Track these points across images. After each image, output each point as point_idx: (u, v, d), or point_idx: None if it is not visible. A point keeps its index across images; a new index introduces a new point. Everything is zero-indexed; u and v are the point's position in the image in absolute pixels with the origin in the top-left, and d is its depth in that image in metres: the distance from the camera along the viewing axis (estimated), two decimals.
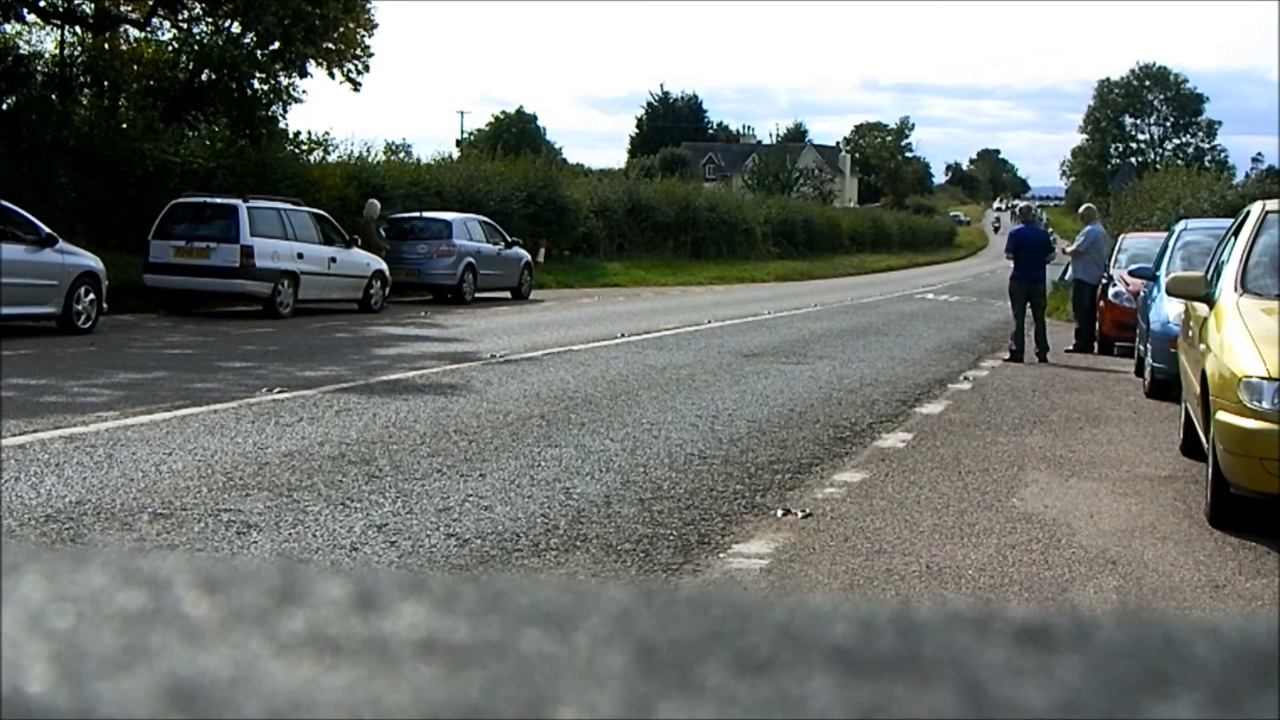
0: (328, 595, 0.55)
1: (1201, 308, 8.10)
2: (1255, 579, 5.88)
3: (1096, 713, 0.46)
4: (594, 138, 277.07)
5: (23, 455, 7.34)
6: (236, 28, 26.26)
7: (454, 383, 11.34)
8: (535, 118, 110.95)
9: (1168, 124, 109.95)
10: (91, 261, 15.59)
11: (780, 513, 6.73)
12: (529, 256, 27.05)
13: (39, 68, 25.54)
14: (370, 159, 29.90)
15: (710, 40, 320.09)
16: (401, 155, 37.79)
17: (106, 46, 26.47)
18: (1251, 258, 7.89)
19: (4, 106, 23.11)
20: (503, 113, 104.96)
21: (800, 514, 6.71)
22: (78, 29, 26.15)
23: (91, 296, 15.39)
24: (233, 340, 15.12)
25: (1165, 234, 16.04)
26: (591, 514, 6.50)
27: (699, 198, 46.73)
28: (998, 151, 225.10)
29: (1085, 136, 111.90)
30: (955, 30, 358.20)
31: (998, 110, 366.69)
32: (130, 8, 26.57)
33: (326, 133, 28.53)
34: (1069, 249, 19.14)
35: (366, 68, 28.67)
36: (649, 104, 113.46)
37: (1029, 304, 15.93)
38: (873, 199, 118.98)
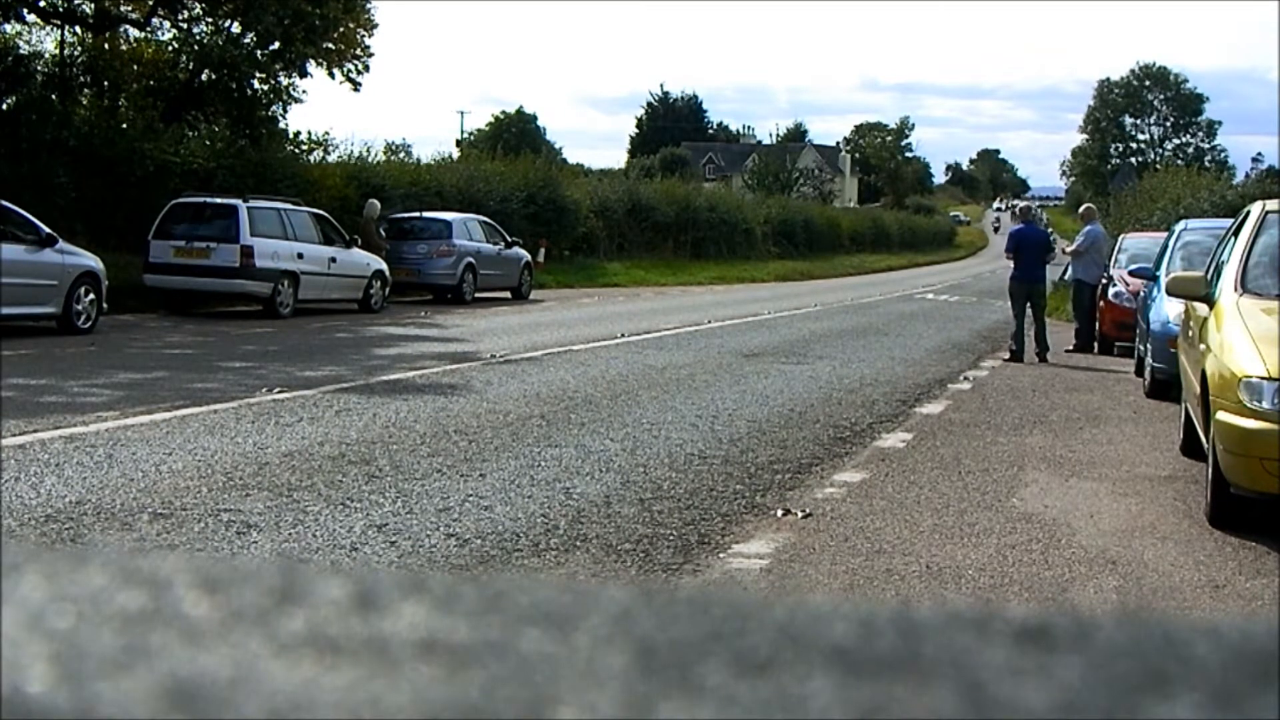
0: (328, 595, 0.55)
1: (1201, 308, 8.10)
2: (1255, 579, 5.88)
3: (1096, 713, 0.46)
4: (594, 138, 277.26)
5: (23, 455, 7.34)
6: (236, 28, 26.26)
7: (454, 383, 11.34)
8: (535, 118, 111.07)
9: (1168, 124, 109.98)
10: (91, 261, 15.59)
11: (780, 513, 6.73)
12: (529, 256, 27.05)
13: (39, 68, 25.54)
14: (370, 159, 29.92)
15: (710, 40, 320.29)
16: (401, 155, 37.81)
17: (106, 46, 26.48)
18: (1251, 258, 7.89)
19: (4, 106, 23.12)
20: (503, 113, 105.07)
21: (800, 514, 6.71)
22: (78, 29, 26.15)
23: (91, 296, 15.39)
24: (233, 340, 15.12)
25: (1165, 234, 16.04)
26: (591, 514, 6.50)
27: (699, 198, 46.73)
28: (998, 151, 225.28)
29: (1085, 136, 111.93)
30: (955, 30, 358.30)
31: (998, 110, 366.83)
32: (130, 8, 26.57)
33: (326, 133, 28.58)
34: (1069, 249, 19.14)
35: (366, 68, 28.69)
36: (649, 104, 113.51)
37: (1029, 304, 15.93)
38: (873, 199, 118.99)
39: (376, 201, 23.94)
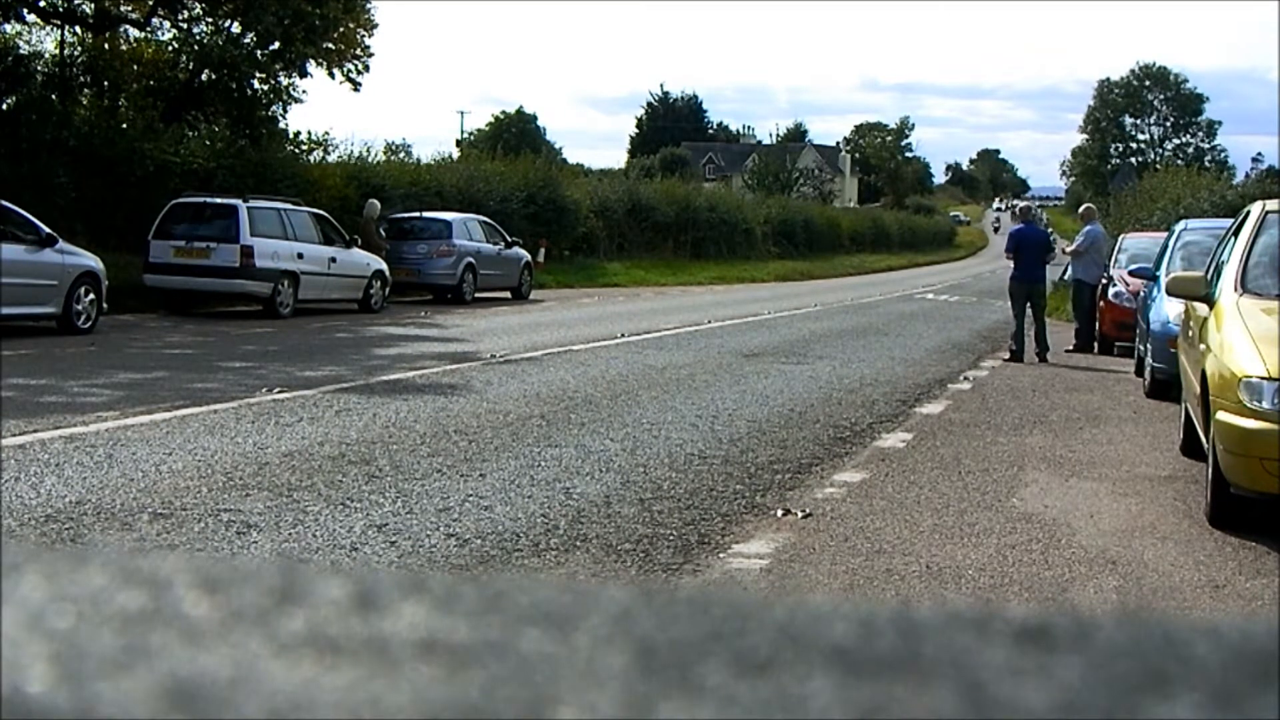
0: (328, 595, 0.55)
1: (1201, 308, 8.10)
2: (1255, 579, 5.88)
3: (1096, 713, 0.46)
4: (594, 138, 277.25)
5: (23, 455, 7.34)
6: (236, 28, 26.26)
7: (454, 383, 11.34)
8: (535, 118, 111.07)
9: (1168, 124, 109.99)
10: (91, 261, 15.59)
11: (780, 513, 6.73)
12: (529, 256, 27.05)
13: (39, 68, 25.54)
14: (370, 159, 29.92)
15: (710, 40, 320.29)
16: (401, 155, 37.82)
17: (106, 46, 26.48)
18: (1251, 258, 7.89)
19: (4, 106, 23.12)
20: (503, 113, 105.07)
21: (800, 514, 6.71)
22: (78, 29, 26.15)
23: (91, 296, 15.39)
24: (233, 340, 15.12)
25: (1165, 234, 16.04)
26: (591, 514, 6.50)
27: (699, 198, 46.73)
28: (998, 151, 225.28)
29: (1085, 136, 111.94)
30: (955, 30, 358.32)
31: (998, 110, 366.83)
32: (130, 8, 26.57)
33: (326, 133, 28.57)
34: (1069, 249, 19.14)
35: (366, 68, 28.69)
36: (649, 104, 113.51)
37: (1029, 304, 15.93)
38: (873, 199, 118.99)
39: (376, 201, 23.94)
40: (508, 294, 25.78)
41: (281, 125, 28.15)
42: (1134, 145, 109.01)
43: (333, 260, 20.13)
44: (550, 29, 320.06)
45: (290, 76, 27.34)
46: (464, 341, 15.60)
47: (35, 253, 14.64)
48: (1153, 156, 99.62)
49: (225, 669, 0.48)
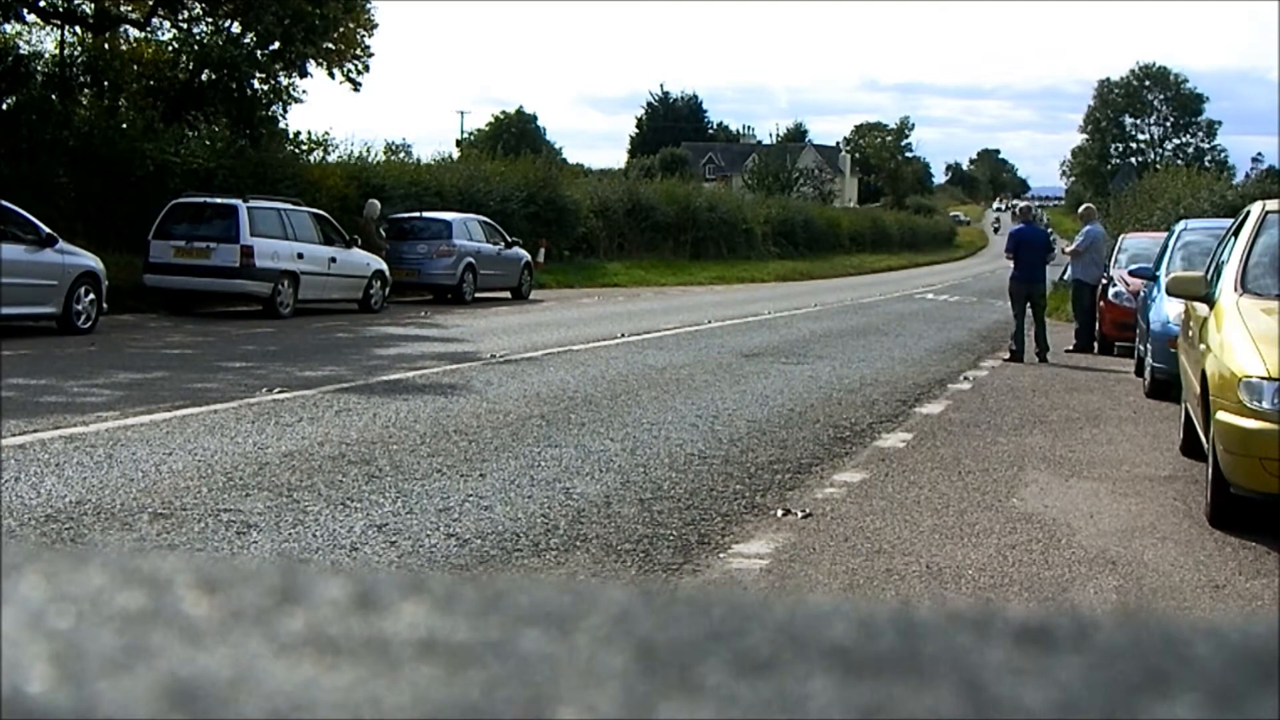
0: (328, 595, 0.55)
1: (1201, 308, 8.10)
2: (1255, 579, 5.88)
3: (1096, 713, 0.46)
4: (594, 138, 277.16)
5: (23, 455, 7.34)
6: (236, 28, 26.27)
7: (454, 383, 11.34)
8: (535, 118, 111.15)
9: (1168, 124, 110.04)
10: (91, 261, 15.59)
11: (780, 513, 6.74)
12: (529, 256, 27.05)
13: (39, 68, 25.54)
14: (370, 159, 29.92)
15: (710, 40, 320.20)
16: (401, 155, 37.84)
17: (106, 46, 26.47)
18: (1251, 258, 7.89)
19: (4, 106, 23.12)
20: (503, 113, 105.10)
21: (800, 514, 6.71)
22: (78, 29, 26.14)
23: (91, 296, 15.39)
24: (233, 340, 15.12)
25: (1165, 234, 16.04)
26: (591, 514, 6.50)
27: (699, 198, 46.73)
28: (998, 151, 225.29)
29: (1085, 136, 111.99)
30: (955, 30, 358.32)
31: (998, 110, 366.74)
32: (130, 8, 26.57)
33: (326, 133, 28.56)
34: (1068, 249, 19.15)
35: (366, 68, 28.72)
36: (649, 104, 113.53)
37: (1029, 304, 15.94)
38: (873, 199, 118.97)
39: (376, 201, 23.94)
40: (508, 294, 25.78)
41: (281, 125, 28.17)
42: (1134, 145, 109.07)
43: (333, 260, 20.13)
44: (550, 29, 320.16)
45: (290, 76, 27.36)
46: (464, 341, 15.60)
47: (35, 253, 14.65)
48: (1153, 156, 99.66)
49: (225, 669, 0.48)
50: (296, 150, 27.48)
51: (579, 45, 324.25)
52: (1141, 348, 13.60)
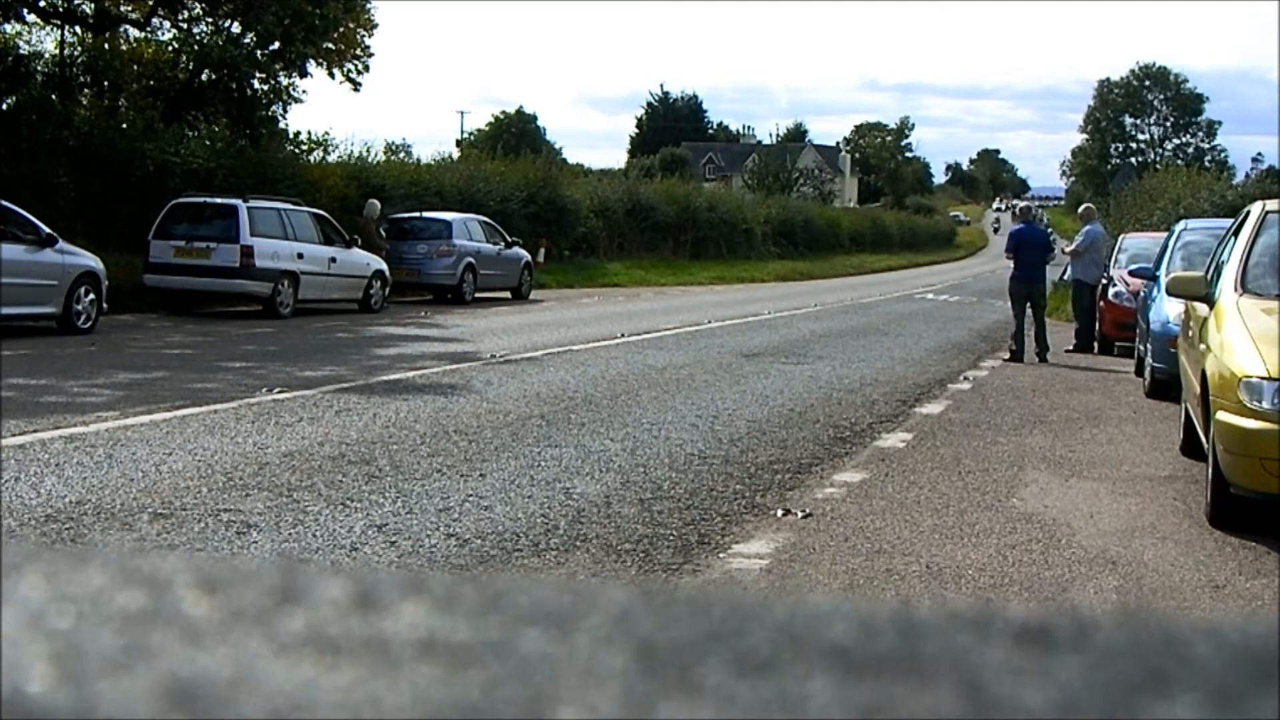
0: (328, 595, 0.55)
1: (1201, 308, 8.10)
2: (1255, 579, 5.88)
3: (1096, 713, 0.46)
4: (594, 138, 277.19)
5: (23, 455, 7.34)
6: (236, 28, 26.27)
7: (454, 383, 11.34)
8: (535, 118, 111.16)
9: (1168, 124, 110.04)
10: (91, 261, 15.60)
11: (780, 513, 6.74)
12: (529, 256, 27.05)
13: (39, 68, 25.54)
14: (370, 159, 29.92)
15: (710, 40, 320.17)
16: (401, 155, 37.85)
17: (106, 46, 26.48)
18: (1251, 258, 7.89)
19: (4, 106, 23.12)
20: (503, 113, 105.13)
21: (800, 514, 6.71)
22: (78, 29, 26.15)
23: (91, 296, 15.39)
24: (233, 340, 15.12)
25: (1165, 234, 16.04)
26: (591, 514, 6.50)
27: (699, 198, 46.73)
28: (998, 151, 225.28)
29: (1085, 136, 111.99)
30: (955, 30, 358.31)
31: (998, 110, 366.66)
32: (130, 8, 26.57)
33: (326, 133, 28.57)
34: (1068, 249, 19.15)
35: (366, 68, 28.72)
36: (649, 104, 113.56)
37: (1029, 304, 15.94)
38: (873, 199, 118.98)
39: (376, 201, 23.94)
40: (508, 294, 25.78)
41: (281, 125, 28.18)
42: (1134, 145, 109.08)
43: (333, 260, 20.14)
44: (550, 29, 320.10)
45: (290, 76, 27.36)
46: (464, 341, 15.60)
47: (35, 253, 14.65)
48: (1153, 156, 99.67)
49: (225, 669, 0.48)
50: (296, 150, 27.48)
51: (579, 45, 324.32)
52: (1141, 348, 13.60)
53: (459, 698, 0.47)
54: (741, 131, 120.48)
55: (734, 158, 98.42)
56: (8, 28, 24.72)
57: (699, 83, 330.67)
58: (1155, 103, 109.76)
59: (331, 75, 28.12)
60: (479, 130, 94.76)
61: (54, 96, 24.26)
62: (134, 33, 27.21)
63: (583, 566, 5.61)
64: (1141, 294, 14.36)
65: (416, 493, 6.79)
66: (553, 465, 7.68)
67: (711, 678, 0.48)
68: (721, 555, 5.87)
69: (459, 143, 74.50)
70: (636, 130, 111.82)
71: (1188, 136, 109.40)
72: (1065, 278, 22.30)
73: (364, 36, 28.45)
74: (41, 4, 24.47)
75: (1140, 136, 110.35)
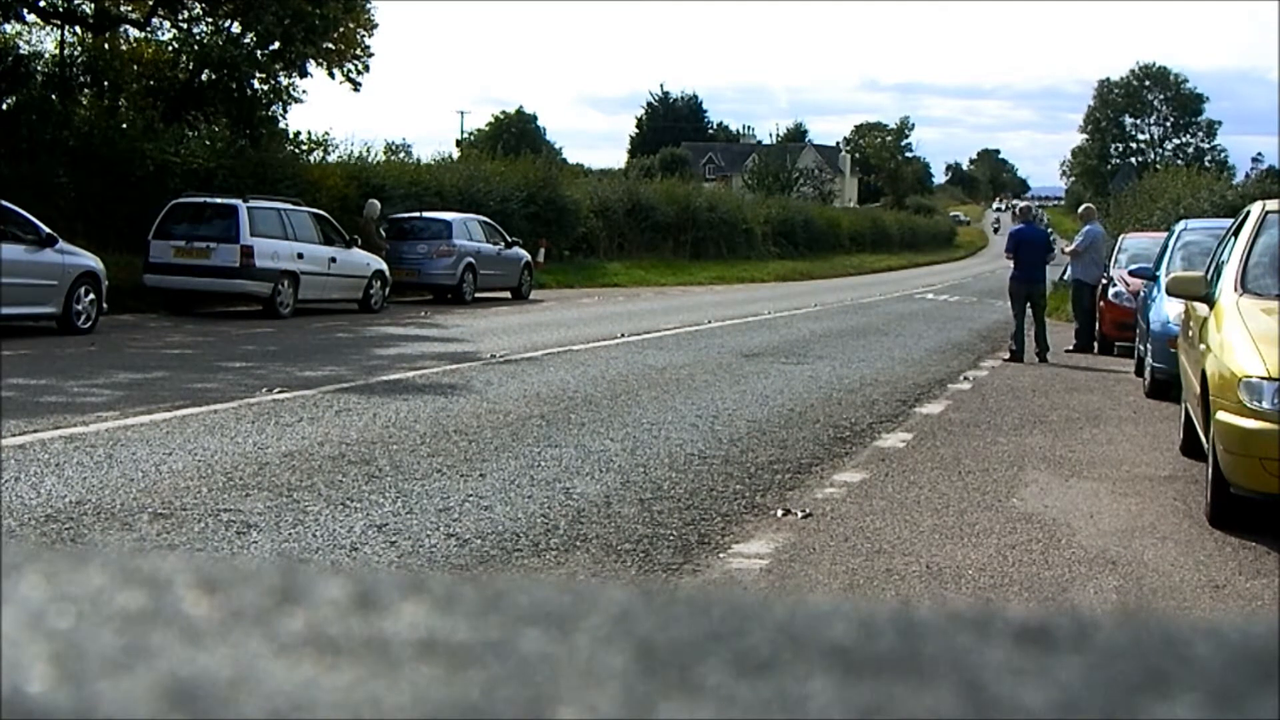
0: (328, 595, 0.55)
1: (1201, 308, 8.10)
2: (1255, 579, 5.88)
3: (1096, 713, 0.46)
4: (594, 138, 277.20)
5: (23, 455, 7.34)
6: (236, 28, 26.27)
7: (454, 383, 11.34)
8: (535, 118, 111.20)
9: (1168, 124, 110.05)
10: (91, 261, 15.60)
11: (780, 513, 6.73)
12: (529, 256, 27.05)
13: (39, 68, 25.54)
14: (370, 159, 29.91)
15: (710, 40, 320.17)
16: (401, 155, 37.85)
17: (106, 46, 26.48)
18: (1251, 258, 7.89)
19: (4, 106, 23.12)
20: (503, 113, 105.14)
21: (800, 514, 6.71)
22: (78, 29, 26.15)
23: (91, 296, 15.39)
24: (233, 340, 15.12)
25: (1165, 234, 16.04)
26: (591, 514, 6.50)
27: (699, 198, 46.73)
28: (998, 151, 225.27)
29: (1085, 136, 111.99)
30: (955, 30, 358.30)
31: (998, 110, 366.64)
32: (130, 8, 26.57)
33: (326, 133, 28.57)
34: (1068, 249, 19.15)
35: (366, 68, 28.72)
36: (649, 104, 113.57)
37: (1029, 304, 15.94)
38: (873, 199, 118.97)
39: (376, 201, 23.94)
40: (508, 294, 25.78)
41: (281, 125, 28.18)
42: (1134, 145, 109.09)
43: (333, 260, 20.14)
44: (550, 29, 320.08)
45: (290, 76, 27.36)
46: (464, 341, 15.60)
47: (35, 253, 14.65)
48: (1153, 156, 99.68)
49: (225, 669, 0.48)
50: (296, 150, 27.48)
51: (579, 45, 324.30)
52: (1141, 348, 13.60)
53: (459, 698, 0.47)
54: (741, 131, 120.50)
55: (734, 158, 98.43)
56: (8, 28, 24.74)
57: (699, 83, 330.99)
58: (1155, 103, 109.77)
59: (331, 75, 28.13)
60: (479, 130, 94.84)
61: (54, 96, 24.26)
62: (134, 33, 27.21)
63: (583, 566, 5.61)
64: (1141, 294, 14.36)
65: (416, 493, 6.79)
66: (553, 465, 7.68)
67: (711, 678, 0.48)
68: (721, 555, 5.87)
69: (459, 143, 74.54)
70: (636, 130, 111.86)
71: (1188, 136, 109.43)
72: (1065, 278, 22.30)
73: (364, 36, 28.46)
74: (41, 4, 24.47)
75: (1140, 136, 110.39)
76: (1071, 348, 17.15)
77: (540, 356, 13.79)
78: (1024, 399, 12.04)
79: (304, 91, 28.57)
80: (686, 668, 0.49)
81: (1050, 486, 7.78)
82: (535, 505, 6.62)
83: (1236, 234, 8.56)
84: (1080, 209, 20.56)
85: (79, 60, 26.53)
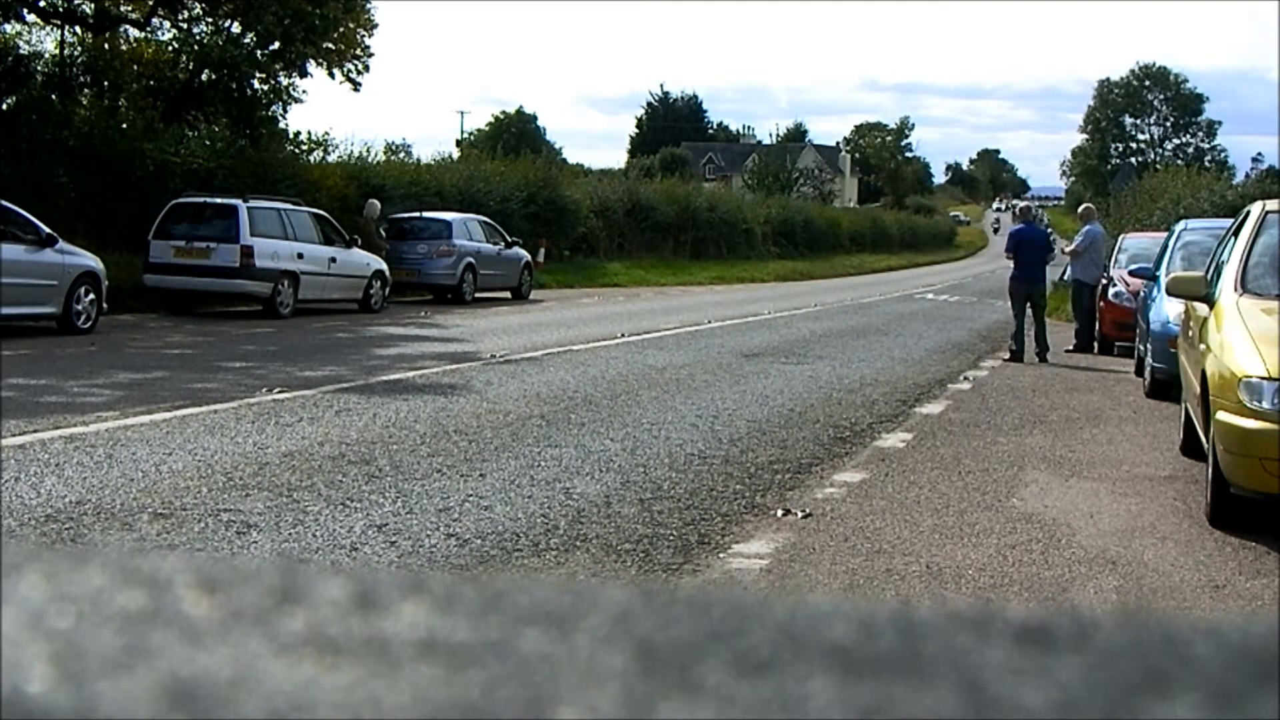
0: (328, 595, 0.55)
1: (1201, 308, 8.10)
2: (1255, 579, 5.88)
3: (1096, 713, 0.46)
4: (594, 138, 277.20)
5: (23, 455, 7.34)
6: (236, 28, 26.27)
7: (454, 383, 11.34)
8: (535, 118, 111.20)
9: (1168, 124, 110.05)
10: (91, 261, 15.60)
11: (780, 513, 6.73)
12: (529, 256, 27.05)
13: (39, 68, 25.54)
14: (370, 159, 29.92)
15: (710, 40, 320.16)
16: (401, 155, 37.85)
17: (106, 46, 26.48)
18: (1251, 258, 7.89)
19: (4, 106, 23.12)
20: (503, 113, 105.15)
21: (800, 514, 6.71)
22: (78, 29, 26.15)
23: (91, 296, 15.39)
24: (233, 340, 15.12)
25: (1165, 234, 16.04)
26: (591, 514, 6.50)
27: (699, 198, 46.73)
28: (998, 151, 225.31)
29: (1085, 136, 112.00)
30: (955, 30, 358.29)
31: (998, 110, 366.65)
32: (130, 8, 26.57)
33: (326, 133, 28.57)
34: (1068, 249, 19.16)
35: (366, 68, 28.72)
36: (649, 104, 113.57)
37: (1029, 304, 15.94)
38: (873, 199, 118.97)
39: (376, 201, 23.94)
40: (508, 294, 25.78)
41: (281, 125, 28.18)
42: (1134, 145, 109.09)
43: (333, 260, 20.14)
44: (550, 29, 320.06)
45: (290, 76, 27.36)
46: (464, 341, 15.60)
47: (35, 253, 14.65)
48: (1153, 156, 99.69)
49: (225, 669, 0.48)
50: (296, 150, 27.48)
51: (579, 45, 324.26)
52: (1141, 348, 13.60)
53: (459, 698, 0.47)
54: (741, 131, 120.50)
55: (734, 158, 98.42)
56: (8, 28, 24.74)
57: (699, 83, 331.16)
58: (1155, 103, 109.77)
59: (331, 75, 28.13)
60: (479, 130, 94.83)
61: (54, 96, 24.26)
62: (134, 33, 27.21)
63: (583, 566, 5.61)
64: (1141, 294, 14.36)
65: (416, 493, 6.79)
66: (553, 465, 7.68)
67: (711, 678, 0.48)
68: (721, 555, 5.87)
69: (459, 143, 74.54)
70: (636, 130, 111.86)
71: (1188, 136, 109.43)
72: (1065, 278, 22.30)
73: (364, 36, 28.46)
74: (41, 4, 24.47)
75: (1140, 136, 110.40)
76: (1071, 348, 17.15)
77: (540, 356, 13.79)
78: (1024, 399, 12.04)
79: (304, 91, 28.60)
80: (686, 668, 0.49)
81: (1050, 486, 7.78)
82: (535, 505, 6.62)
83: (1236, 234, 8.56)
84: (1080, 209, 20.56)
85: (79, 60, 26.53)
